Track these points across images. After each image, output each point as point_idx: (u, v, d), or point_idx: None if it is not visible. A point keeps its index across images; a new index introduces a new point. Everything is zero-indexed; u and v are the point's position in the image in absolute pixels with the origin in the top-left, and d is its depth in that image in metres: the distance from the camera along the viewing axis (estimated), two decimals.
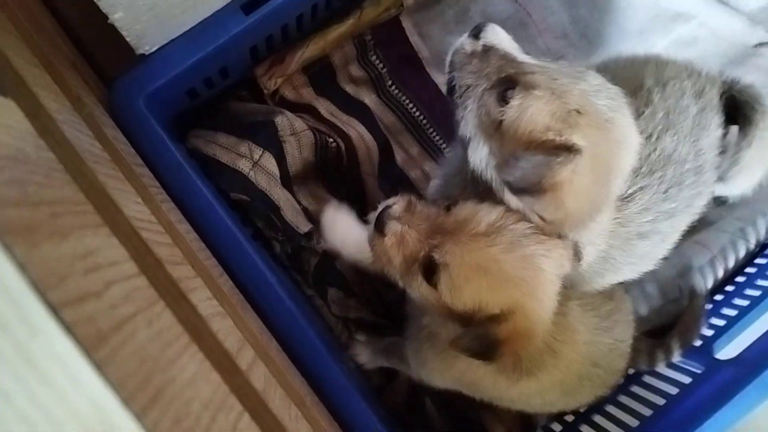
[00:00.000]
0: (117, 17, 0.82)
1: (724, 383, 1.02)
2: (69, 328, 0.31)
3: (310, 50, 1.21)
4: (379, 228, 0.82)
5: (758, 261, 1.29)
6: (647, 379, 1.17)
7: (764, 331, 1.04)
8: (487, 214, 0.78)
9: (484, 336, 0.77)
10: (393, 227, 0.80)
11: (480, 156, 0.85)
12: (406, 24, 1.36)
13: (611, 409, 1.14)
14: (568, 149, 0.75)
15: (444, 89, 1.11)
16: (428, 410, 1.21)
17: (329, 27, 1.22)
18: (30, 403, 0.29)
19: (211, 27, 0.99)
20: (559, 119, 0.77)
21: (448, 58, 0.89)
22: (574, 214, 0.80)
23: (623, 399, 1.15)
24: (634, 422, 1.08)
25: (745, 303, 1.18)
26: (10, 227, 0.31)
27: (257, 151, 1.11)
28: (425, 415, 1.20)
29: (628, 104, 0.84)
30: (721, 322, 1.18)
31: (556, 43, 1.40)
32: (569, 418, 1.21)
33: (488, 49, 0.84)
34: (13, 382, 0.29)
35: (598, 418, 1.15)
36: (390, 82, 1.35)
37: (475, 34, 0.86)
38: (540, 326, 0.82)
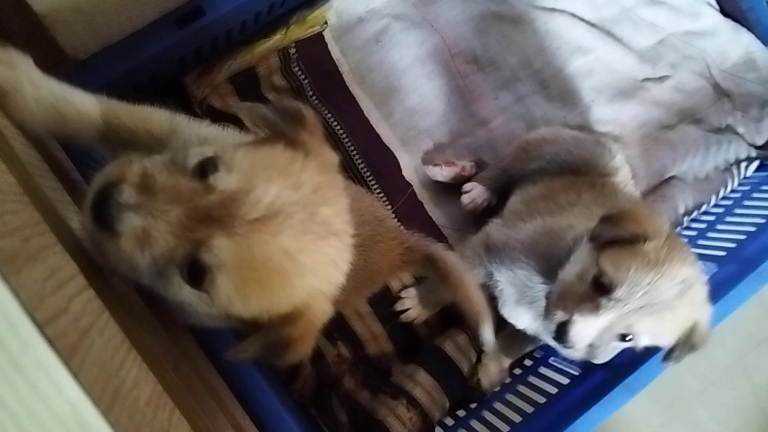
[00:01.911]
0: (53, 23, 0.86)
1: (596, 385, 1.16)
2: (52, 342, 0.38)
3: (237, 62, 1.27)
4: (107, 225, 0.58)
5: None
6: (531, 379, 1.31)
7: None
8: (265, 189, 0.60)
9: (274, 343, 0.64)
10: (130, 222, 0.57)
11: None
12: (329, 39, 1.45)
13: (498, 406, 1.27)
14: None
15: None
16: (334, 406, 1.30)
17: (257, 41, 1.29)
18: (20, 405, 0.36)
19: (146, 37, 1.04)
20: None
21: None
22: None
23: (509, 397, 1.28)
24: (517, 418, 1.20)
25: None
26: (2, 258, 0.38)
27: None
28: (331, 410, 1.29)
29: None
30: None
31: (466, 67, 1.51)
32: (461, 413, 1.33)
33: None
34: (6, 388, 0.36)
35: (486, 414, 1.27)
36: (311, 93, 1.43)
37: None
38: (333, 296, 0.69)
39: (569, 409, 1.12)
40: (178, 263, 0.59)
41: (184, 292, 0.61)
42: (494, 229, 1.24)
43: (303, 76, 1.42)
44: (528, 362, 1.40)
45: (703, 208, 1.52)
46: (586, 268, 0.99)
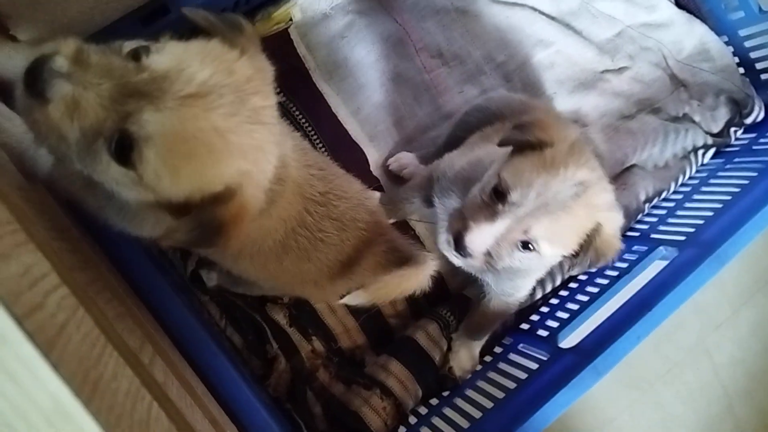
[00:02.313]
0: (15, 22, 0.86)
1: (564, 369, 1.19)
2: (31, 336, 0.38)
3: None
4: (37, 91, 0.59)
5: None
6: (501, 365, 1.34)
7: (599, 323, 1.22)
8: (199, 69, 0.62)
9: (207, 224, 0.65)
10: (60, 89, 0.58)
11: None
12: (294, 36, 1.45)
13: (470, 393, 1.30)
14: None
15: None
16: (308, 400, 1.32)
17: None
18: (2, 398, 0.37)
19: (110, 36, 1.02)
20: None
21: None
22: None
23: (481, 384, 1.31)
24: (489, 404, 1.23)
25: (585, 299, 1.37)
26: None
27: None
28: (306, 404, 1.30)
29: None
30: (565, 315, 1.36)
31: (431, 61, 1.54)
32: (434, 401, 1.36)
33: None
34: None
35: (458, 401, 1.30)
36: (278, 90, 1.41)
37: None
38: (264, 188, 0.72)
39: (539, 393, 1.15)
40: (106, 136, 0.60)
41: (111, 171, 0.62)
42: (445, 158, 1.26)
43: None
44: (498, 349, 1.42)
45: (663, 195, 1.56)
46: (489, 180, 1.00)
